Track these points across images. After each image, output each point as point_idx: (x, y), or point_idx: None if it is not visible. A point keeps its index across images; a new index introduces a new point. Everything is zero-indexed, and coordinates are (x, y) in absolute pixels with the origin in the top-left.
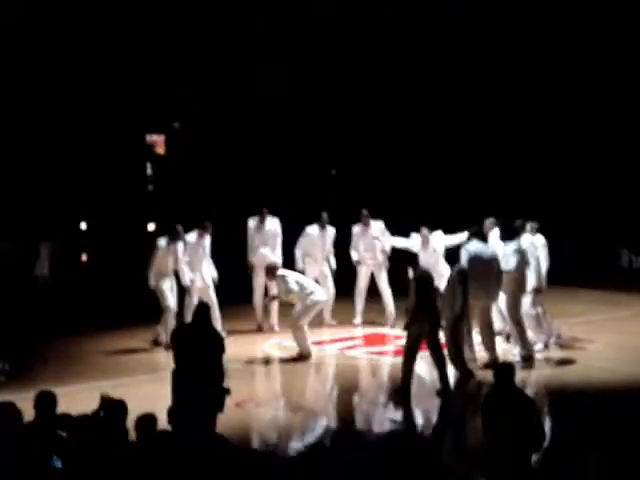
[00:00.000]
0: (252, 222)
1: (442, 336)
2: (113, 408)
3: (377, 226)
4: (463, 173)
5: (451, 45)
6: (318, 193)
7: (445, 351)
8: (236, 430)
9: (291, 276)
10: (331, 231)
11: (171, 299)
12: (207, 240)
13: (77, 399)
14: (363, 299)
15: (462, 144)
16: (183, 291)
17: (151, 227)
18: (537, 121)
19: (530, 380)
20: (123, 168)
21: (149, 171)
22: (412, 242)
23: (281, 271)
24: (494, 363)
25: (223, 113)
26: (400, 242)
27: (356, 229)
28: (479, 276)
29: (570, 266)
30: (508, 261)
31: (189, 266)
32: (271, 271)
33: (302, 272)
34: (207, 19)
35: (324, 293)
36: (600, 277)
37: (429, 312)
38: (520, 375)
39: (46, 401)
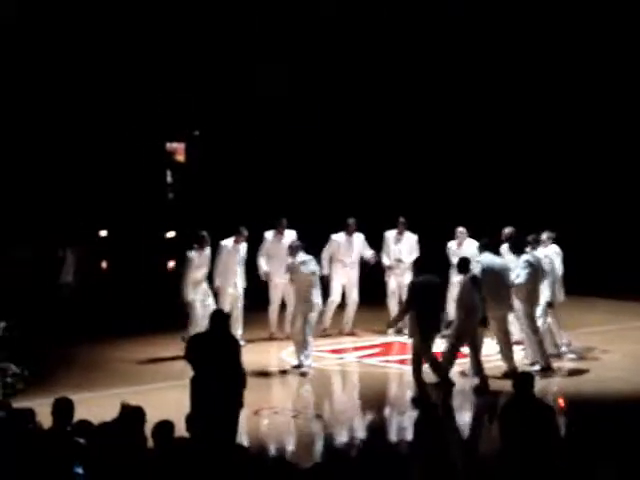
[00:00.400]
0: (269, 234)
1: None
2: (132, 416)
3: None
4: (476, 178)
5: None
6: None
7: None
8: (253, 438)
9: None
10: (359, 237)
11: (200, 310)
12: (243, 246)
13: (96, 406)
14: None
15: (471, 148)
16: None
17: (171, 234)
18: (553, 126)
19: (546, 390)
20: (143, 176)
21: (169, 179)
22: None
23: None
24: (512, 373)
25: (240, 120)
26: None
27: (390, 234)
28: (491, 287)
29: (590, 275)
30: (519, 274)
31: (223, 273)
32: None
33: (327, 278)
34: (203, 24)
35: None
36: (620, 287)
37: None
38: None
39: (64, 408)
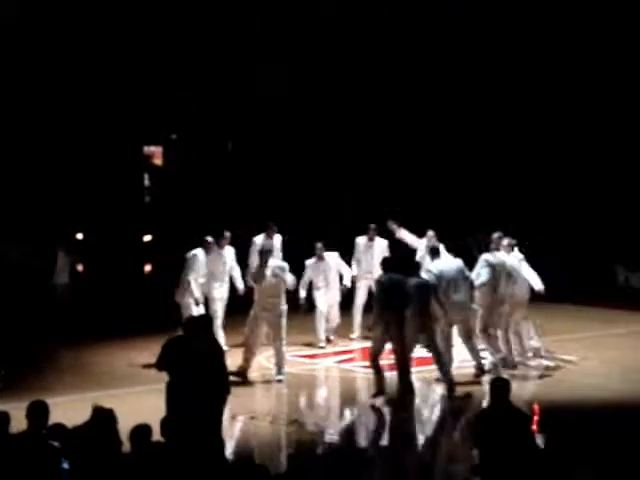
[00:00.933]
0: (259, 239)
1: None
2: (103, 418)
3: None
4: (456, 183)
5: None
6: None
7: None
8: (232, 442)
9: None
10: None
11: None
12: (227, 250)
13: (71, 409)
14: (361, 313)
15: (457, 151)
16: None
17: (148, 238)
18: (527, 134)
19: (519, 396)
20: (120, 179)
21: (146, 182)
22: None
23: None
24: (479, 376)
25: (219, 125)
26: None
27: (361, 242)
28: (448, 292)
29: (566, 283)
30: (480, 273)
31: (208, 277)
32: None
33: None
34: (203, 24)
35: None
36: (596, 295)
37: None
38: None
39: (39, 411)
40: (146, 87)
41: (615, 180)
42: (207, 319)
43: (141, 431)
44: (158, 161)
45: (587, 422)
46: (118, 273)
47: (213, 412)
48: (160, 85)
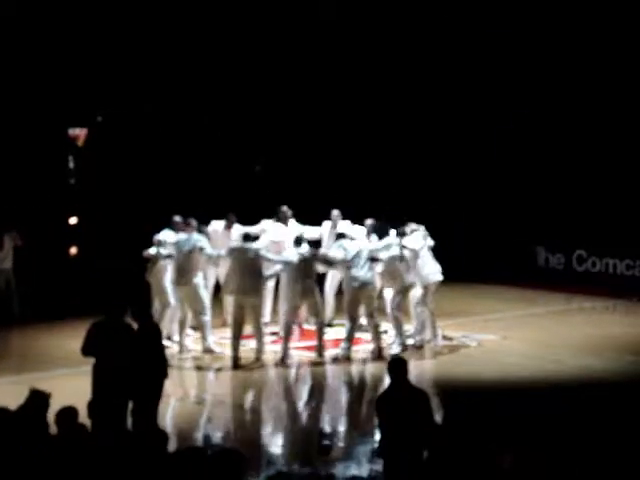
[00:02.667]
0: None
1: None
2: (38, 401)
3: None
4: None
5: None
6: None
7: None
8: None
9: None
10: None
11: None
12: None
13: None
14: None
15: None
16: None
17: (73, 220)
18: (449, 118)
19: (438, 374)
20: (44, 161)
21: (71, 165)
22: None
23: None
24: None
25: (147, 107)
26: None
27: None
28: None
29: (486, 265)
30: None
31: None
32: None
33: None
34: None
35: None
36: (517, 276)
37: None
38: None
39: None
40: (70, 68)
41: (535, 162)
42: (144, 302)
43: (67, 413)
44: (82, 143)
45: (507, 401)
46: (44, 256)
47: (146, 395)
48: (84, 66)
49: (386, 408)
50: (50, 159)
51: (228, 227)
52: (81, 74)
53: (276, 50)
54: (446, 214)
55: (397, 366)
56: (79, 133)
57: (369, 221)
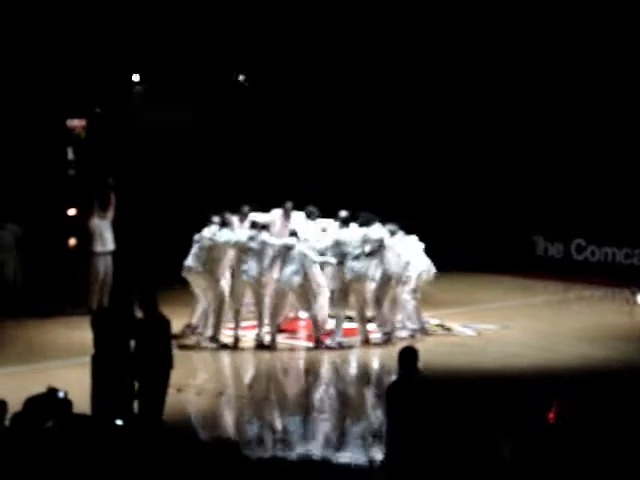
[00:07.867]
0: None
1: None
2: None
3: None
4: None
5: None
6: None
7: None
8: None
9: None
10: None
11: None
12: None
13: None
14: None
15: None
16: None
17: (72, 212)
18: (435, 108)
19: (441, 364)
20: (44, 153)
21: (70, 156)
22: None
23: None
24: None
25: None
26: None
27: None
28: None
29: (485, 254)
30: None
31: None
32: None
33: None
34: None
35: None
36: (516, 265)
37: None
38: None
39: None
40: (69, 60)
41: (534, 152)
42: (149, 291)
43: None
44: (82, 134)
45: (507, 390)
46: (42, 247)
47: (151, 386)
48: (84, 57)
49: (397, 397)
50: (49, 150)
51: (242, 220)
52: (79, 65)
53: (276, 50)
54: (445, 204)
55: (408, 355)
56: (78, 124)
57: (343, 213)
